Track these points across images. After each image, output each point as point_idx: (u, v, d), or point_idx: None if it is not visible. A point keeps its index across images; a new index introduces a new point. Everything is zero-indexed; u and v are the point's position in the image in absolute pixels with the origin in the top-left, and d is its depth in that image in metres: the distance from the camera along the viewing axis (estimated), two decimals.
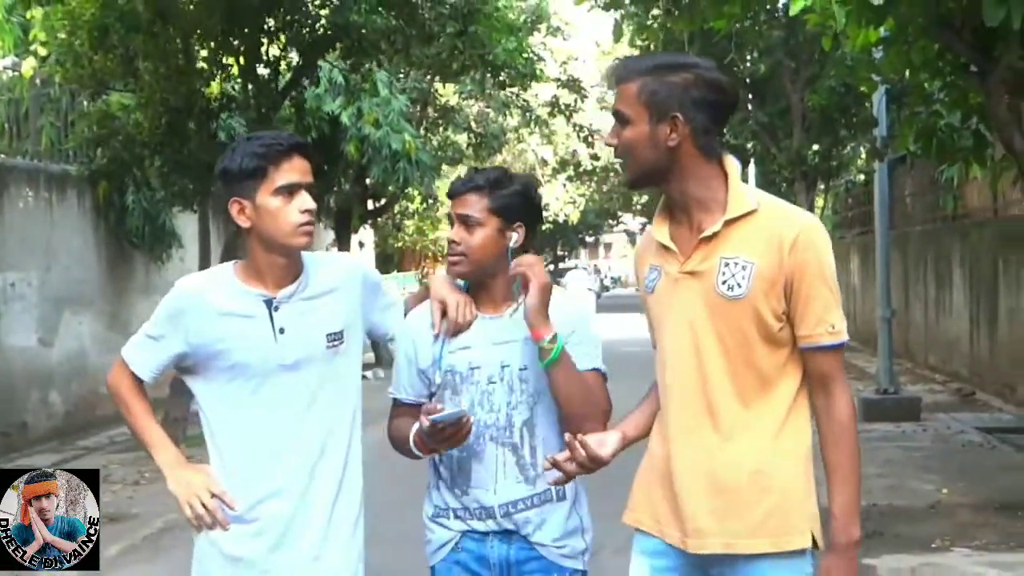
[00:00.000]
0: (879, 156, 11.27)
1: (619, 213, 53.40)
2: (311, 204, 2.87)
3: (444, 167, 22.36)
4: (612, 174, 37.34)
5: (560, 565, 2.97)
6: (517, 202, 2.96)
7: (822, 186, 19.19)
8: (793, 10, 5.08)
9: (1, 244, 11.54)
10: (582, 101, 26.02)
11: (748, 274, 2.47)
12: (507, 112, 23.05)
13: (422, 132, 19.20)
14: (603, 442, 2.66)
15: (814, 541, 2.49)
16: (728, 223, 2.50)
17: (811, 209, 17.89)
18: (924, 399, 12.30)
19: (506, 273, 2.93)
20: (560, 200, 41.79)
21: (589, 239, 64.29)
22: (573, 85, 25.02)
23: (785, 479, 2.48)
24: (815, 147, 17.45)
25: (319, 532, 2.94)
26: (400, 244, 33.44)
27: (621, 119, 2.54)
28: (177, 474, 2.94)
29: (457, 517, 3.01)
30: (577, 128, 27.95)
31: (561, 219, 43.97)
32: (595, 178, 37.37)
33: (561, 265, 58.23)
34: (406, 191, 18.92)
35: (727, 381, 2.50)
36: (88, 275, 13.36)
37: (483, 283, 3.01)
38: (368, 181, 18.48)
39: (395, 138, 15.64)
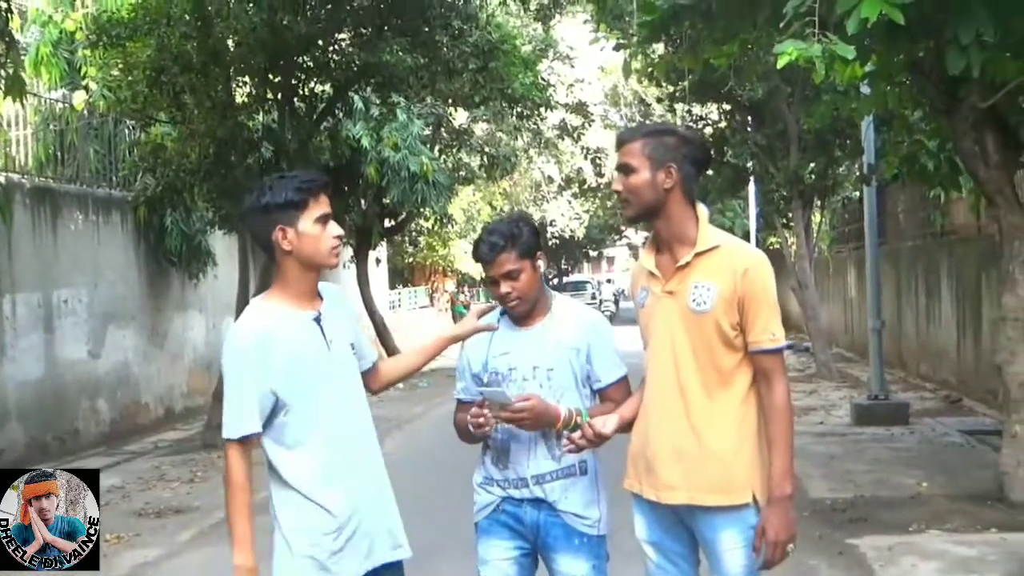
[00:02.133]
0: (866, 180, 12.11)
1: (622, 228, 54.12)
2: (340, 230, 3.41)
3: (457, 186, 23.25)
4: None
5: (579, 531, 3.68)
6: (532, 240, 3.72)
7: (819, 203, 19.95)
8: (779, 64, 5.91)
9: (56, 263, 12.47)
10: (589, 125, 26.99)
11: (712, 295, 3.31)
12: (518, 135, 23.99)
13: (436, 154, 20.10)
14: (605, 423, 3.54)
15: (755, 499, 3.33)
16: (697, 255, 3.35)
17: (807, 225, 18.67)
18: (913, 405, 13.05)
19: (542, 295, 3.79)
20: (565, 216, 42.60)
21: (592, 253, 64.93)
22: (580, 109, 26.02)
23: (732, 452, 3.31)
24: (811, 166, 18.27)
25: (390, 517, 3.49)
26: (411, 260, 34.29)
27: (627, 169, 3.38)
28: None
29: (499, 486, 3.74)
30: (584, 149, 28.91)
31: (567, 234, 44.72)
32: (599, 195, 38.06)
33: (566, 279, 58.74)
34: (421, 210, 19.77)
35: (695, 375, 3.33)
36: (130, 291, 14.27)
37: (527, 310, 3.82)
38: (386, 201, 19.37)
39: (413, 160, 16.52)
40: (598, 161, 30.13)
